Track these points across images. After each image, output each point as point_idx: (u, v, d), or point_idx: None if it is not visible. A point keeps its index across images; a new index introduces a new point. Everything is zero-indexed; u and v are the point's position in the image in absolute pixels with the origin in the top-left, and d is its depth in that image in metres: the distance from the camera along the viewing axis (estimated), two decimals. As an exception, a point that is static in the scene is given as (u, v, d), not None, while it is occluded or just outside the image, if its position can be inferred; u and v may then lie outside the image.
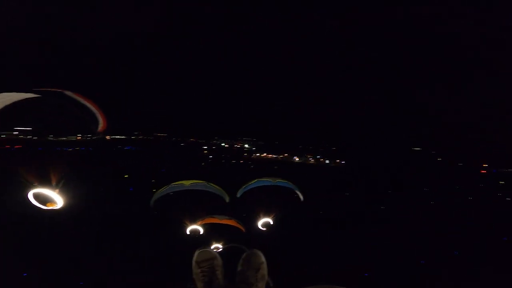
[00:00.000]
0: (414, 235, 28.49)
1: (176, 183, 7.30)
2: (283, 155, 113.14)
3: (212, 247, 8.71)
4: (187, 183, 7.18)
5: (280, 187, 8.86)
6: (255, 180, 8.80)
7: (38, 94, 4.05)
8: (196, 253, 2.91)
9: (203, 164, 79.54)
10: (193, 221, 8.65)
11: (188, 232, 8.73)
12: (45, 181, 5.78)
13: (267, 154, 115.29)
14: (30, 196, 5.56)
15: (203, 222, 9.02)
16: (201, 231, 8.86)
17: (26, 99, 4.13)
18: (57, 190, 5.86)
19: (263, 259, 2.85)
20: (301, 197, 8.96)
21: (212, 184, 7.56)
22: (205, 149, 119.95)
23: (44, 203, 5.71)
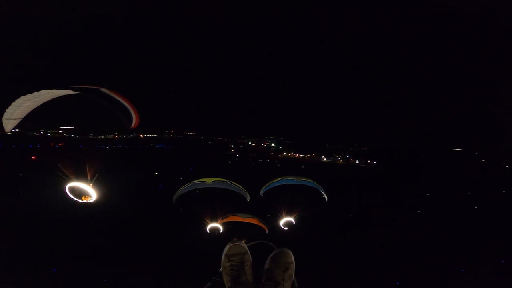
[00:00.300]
0: (454, 242, 26.46)
1: (198, 180, 7.42)
2: (311, 154, 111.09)
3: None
4: (209, 181, 7.27)
5: (304, 187, 8.66)
6: (279, 179, 8.70)
7: (76, 91, 4.23)
8: (228, 246, 2.84)
9: (229, 162, 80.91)
10: (214, 219, 8.74)
11: (208, 230, 8.82)
12: (81, 176, 6.26)
13: (294, 153, 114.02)
14: (66, 189, 6.04)
15: (226, 220, 9.09)
16: (221, 229, 8.91)
17: (66, 96, 4.38)
18: (92, 185, 6.32)
19: (292, 258, 2.76)
20: (326, 197, 8.69)
21: (233, 183, 7.57)
22: (232, 147, 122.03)
23: (79, 197, 6.19)
